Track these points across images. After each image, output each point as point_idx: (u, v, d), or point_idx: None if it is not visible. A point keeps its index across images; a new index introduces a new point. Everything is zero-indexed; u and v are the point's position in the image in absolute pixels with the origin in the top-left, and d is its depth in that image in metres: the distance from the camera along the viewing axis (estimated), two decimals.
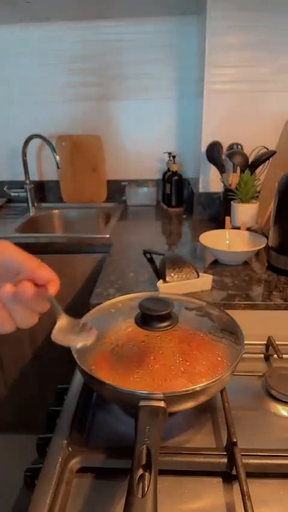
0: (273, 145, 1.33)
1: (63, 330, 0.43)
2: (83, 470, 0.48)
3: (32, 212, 1.70)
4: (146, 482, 0.36)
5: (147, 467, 0.37)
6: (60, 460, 0.47)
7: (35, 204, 1.74)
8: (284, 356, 0.66)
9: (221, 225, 1.22)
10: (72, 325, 0.44)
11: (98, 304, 0.65)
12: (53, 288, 0.40)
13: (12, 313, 0.40)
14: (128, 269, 1.06)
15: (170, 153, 1.66)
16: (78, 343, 0.43)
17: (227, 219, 1.20)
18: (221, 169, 1.32)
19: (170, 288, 0.87)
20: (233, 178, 1.22)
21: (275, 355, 0.67)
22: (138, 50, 1.60)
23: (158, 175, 1.78)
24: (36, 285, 0.39)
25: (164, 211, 1.70)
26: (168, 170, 1.68)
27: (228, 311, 0.62)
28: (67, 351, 0.53)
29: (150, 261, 0.95)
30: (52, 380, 0.82)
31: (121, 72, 1.63)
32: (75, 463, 0.47)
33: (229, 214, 1.21)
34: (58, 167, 1.56)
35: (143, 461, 0.38)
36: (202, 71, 1.37)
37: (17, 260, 0.40)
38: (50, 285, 0.40)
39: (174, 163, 1.64)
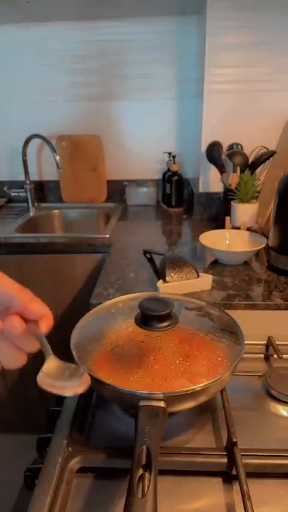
0: (273, 145, 1.33)
1: (51, 374, 0.39)
2: (83, 470, 0.48)
3: (32, 212, 1.70)
4: (146, 482, 0.36)
5: (147, 467, 0.37)
6: (60, 460, 0.47)
7: (35, 204, 1.74)
8: (284, 356, 0.66)
9: (221, 225, 1.22)
10: (62, 369, 0.40)
11: (98, 304, 0.65)
12: (45, 325, 0.37)
13: None
14: (128, 269, 1.06)
15: (170, 153, 1.66)
16: (67, 391, 0.39)
17: (227, 219, 1.20)
18: (221, 169, 1.32)
19: (170, 288, 0.87)
20: (233, 178, 1.22)
21: (275, 355, 0.67)
22: (138, 50, 1.60)
23: (158, 175, 1.78)
24: (26, 320, 0.36)
25: (164, 211, 1.70)
26: (168, 170, 1.68)
27: (228, 311, 0.62)
28: (67, 350, 0.53)
29: (150, 261, 0.95)
30: None
31: (121, 72, 1.63)
32: (75, 463, 0.47)
33: (229, 214, 1.21)
34: (58, 167, 1.56)
35: (143, 461, 0.38)
36: (202, 71, 1.37)
37: (8, 291, 0.36)
38: (42, 321, 0.36)
39: (174, 163, 1.64)
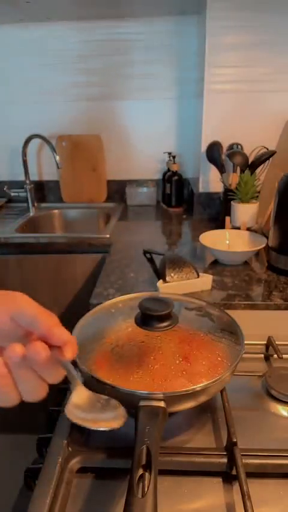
0: (273, 145, 1.33)
1: (80, 406, 0.36)
2: (83, 470, 0.48)
3: (32, 212, 1.70)
4: (146, 482, 0.36)
5: (147, 467, 0.37)
6: (60, 460, 0.47)
7: (35, 204, 1.74)
8: (284, 356, 0.66)
9: (221, 225, 1.22)
10: (93, 400, 0.37)
11: (98, 304, 0.65)
12: (71, 351, 0.34)
13: (18, 382, 0.33)
14: (128, 269, 1.06)
15: (170, 153, 1.66)
16: (101, 425, 0.36)
17: (227, 219, 1.20)
18: (221, 169, 1.32)
19: (170, 288, 0.87)
20: (233, 178, 1.22)
21: (275, 355, 0.67)
22: (138, 50, 1.60)
23: (158, 175, 1.78)
24: (50, 347, 0.33)
25: (164, 211, 1.70)
26: (168, 170, 1.68)
27: (228, 311, 0.62)
28: None
29: (150, 261, 0.95)
30: None
31: (121, 72, 1.63)
32: (75, 463, 0.47)
33: (229, 214, 1.21)
34: (58, 167, 1.56)
35: (143, 461, 0.38)
36: (202, 71, 1.37)
37: (31, 313, 0.34)
38: (67, 347, 0.33)
39: (174, 163, 1.64)
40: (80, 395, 0.37)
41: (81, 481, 0.47)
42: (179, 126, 1.71)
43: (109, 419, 0.36)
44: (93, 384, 0.49)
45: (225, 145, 1.37)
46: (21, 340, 0.33)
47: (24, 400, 0.34)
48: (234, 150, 1.32)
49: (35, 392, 0.34)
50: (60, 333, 0.33)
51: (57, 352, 0.33)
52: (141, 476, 0.37)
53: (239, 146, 1.37)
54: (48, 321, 0.33)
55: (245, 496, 0.41)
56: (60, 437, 0.50)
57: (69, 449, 0.49)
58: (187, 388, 0.46)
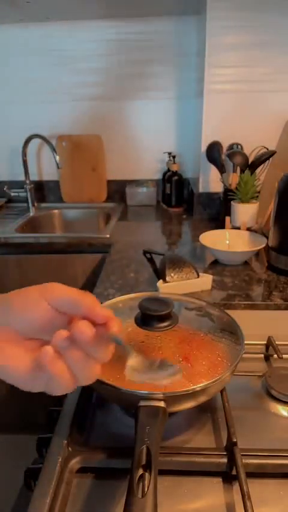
0: (273, 145, 1.33)
1: (138, 369, 0.38)
2: (83, 470, 0.48)
3: (32, 212, 1.70)
4: (146, 482, 0.36)
5: (147, 467, 0.37)
6: (60, 460, 0.47)
7: (35, 204, 1.74)
8: (284, 356, 0.66)
9: (221, 225, 1.22)
10: (148, 363, 0.40)
11: None
12: (117, 325, 0.34)
13: (71, 365, 0.33)
14: (128, 269, 1.06)
15: (170, 153, 1.66)
16: (162, 380, 0.38)
17: (227, 219, 1.20)
18: (221, 169, 1.32)
19: (170, 288, 0.87)
20: (233, 178, 1.22)
21: (275, 355, 0.67)
22: (138, 49, 1.60)
23: (158, 175, 1.78)
24: (94, 325, 0.33)
25: (164, 211, 1.70)
26: (168, 170, 1.68)
27: (228, 311, 0.62)
28: None
29: (150, 261, 0.95)
30: None
31: (121, 72, 1.63)
32: (75, 463, 0.47)
33: (229, 214, 1.21)
34: (58, 167, 1.56)
35: (143, 461, 0.38)
36: (202, 71, 1.37)
37: (70, 297, 0.34)
38: (111, 323, 0.34)
39: (174, 163, 1.64)
40: (135, 360, 0.39)
41: (81, 481, 0.47)
42: (179, 126, 1.71)
43: (168, 375, 0.39)
44: (93, 384, 0.49)
45: (225, 145, 1.37)
46: (66, 328, 0.34)
47: (79, 385, 0.35)
48: (234, 150, 1.32)
49: (89, 374, 0.35)
50: (102, 310, 0.34)
51: (102, 329, 0.34)
52: (141, 476, 0.37)
53: (239, 146, 1.36)
54: (89, 301, 0.34)
55: (245, 496, 0.41)
56: (60, 437, 0.50)
57: (69, 449, 0.49)
58: (187, 388, 0.46)
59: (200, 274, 0.91)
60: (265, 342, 0.71)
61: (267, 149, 1.28)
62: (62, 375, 0.33)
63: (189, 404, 0.48)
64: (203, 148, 1.41)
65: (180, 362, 0.49)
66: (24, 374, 0.34)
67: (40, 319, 0.35)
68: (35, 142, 1.69)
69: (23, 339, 0.36)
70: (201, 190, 1.50)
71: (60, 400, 0.59)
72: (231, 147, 1.37)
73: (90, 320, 0.34)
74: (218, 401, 0.56)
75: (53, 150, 1.55)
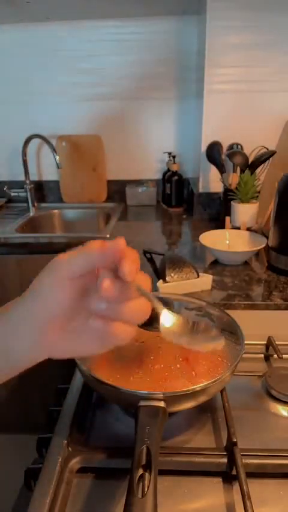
0: (273, 145, 1.33)
1: (174, 330, 0.36)
2: (83, 470, 0.48)
3: (32, 212, 1.70)
4: (146, 482, 0.36)
5: (147, 467, 0.37)
6: (60, 460, 0.47)
7: (35, 204, 1.74)
8: (284, 356, 0.66)
9: (221, 225, 1.22)
10: (182, 323, 0.36)
11: None
12: (128, 266, 0.32)
13: (121, 317, 0.33)
14: None
15: (170, 153, 1.66)
16: (208, 347, 0.36)
17: (227, 219, 1.20)
18: (221, 169, 1.32)
19: (170, 288, 0.87)
20: (233, 178, 1.22)
21: (275, 355, 0.67)
22: (138, 49, 1.60)
23: (158, 175, 1.77)
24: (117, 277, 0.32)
25: (164, 211, 1.70)
26: (168, 170, 1.68)
27: (228, 311, 0.62)
28: None
29: (150, 261, 0.95)
30: (52, 380, 0.82)
31: (121, 72, 1.63)
32: (75, 463, 0.47)
33: (229, 214, 1.21)
34: (58, 167, 1.56)
35: (143, 461, 0.38)
36: (202, 71, 1.37)
37: (79, 260, 0.33)
38: (123, 264, 0.32)
39: (174, 163, 1.64)
40: (168, 318, 0.36)
41: (81, 481, 0.47)
42: (179, 126, 1.71)
43: (214, 342, 0.36)
44: (93, 384, 0.49)
45: (225, 145, 1.37)
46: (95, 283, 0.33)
47: (118, 343, 0.35)
48: (234, 150, 1.32)
49: (124, 332, 0.34)
50: (112, 245, 0.33)
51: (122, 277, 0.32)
52: (141, 476, 0.37)
53: (239, 146, 1.36)
54: (95, 250, 0.33)
55: (245, 496, 0.41)
56: (60, 437, 0.50)
57: (69, 449, 0.49)
58: (187, 388, 0.46)
59: (200, 274, 0.91)
60: (265, 342, 0.71)
61: (267, 149, 1.28)
62: (119, 330, 0.33)
63: (189, 404, 0.49)
64: (203, 148, 1.41)
65: (180, 362, 0.50)
66: (92, 349, 0.36)
67: (68, 298, 0.34)
68: (35, 142, 1.69)
69: (72, 319, 0.35)
70: (201, 190, 1.50)
71: (60, 400, 0.60)
72: (231, 147, 1.37)
73: (113, 265, 0.32)
74: (218, 401, 0.56)
75: (53, 150, 1.55)
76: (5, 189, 1.74)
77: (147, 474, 0.37)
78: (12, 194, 1.73)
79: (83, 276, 0.34)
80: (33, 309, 0.34)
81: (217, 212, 1.45)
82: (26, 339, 0.35)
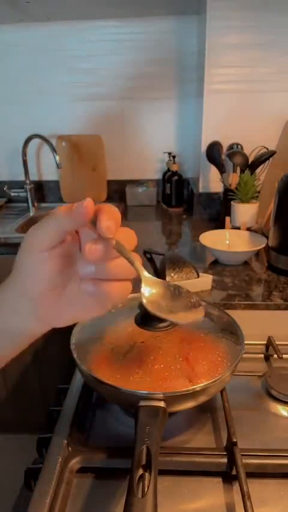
0: (273, 145, 1.33)
1: (154, 298, 0.33)
2: (83, 470, 0.48)
3: (32, 212, 1.70)
4: (146, 482, 0.36)
5: (147, 467, 0.37)
6: (60, 460, 0.47)
7: (35, 204, 1.74)
8: (284, 356, 0.66)
9: (221, 225, 1.22)
10: (163, 289, 0.34)
11: None
12: (107, 222, 0.30)
13: (111, 275, 0.32)
14: None
15: (170, 153, 1.66)
16: (188, 318, 0.34)
17: (227, 219, 1.20)
18: (221, 169, 1.32)
19: None
20: (233, 178, 1.22)
21: (275, 355, 0.67)
22: (138, 49, 1.60)
23: (158, 175, 1.77)
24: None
25: (164, 211, 1.70)
26: (168, 170, 1.68)
27: (228, 311, 0.62)
28: (67, 350, 0.53)
29: (150, 261, 0.95)
30: (52, 380, 0.82)
31: (121, 72, 1.63)
32: (75, 463, 0.47)
33: (229, 214, 1.21)
34: (58, 167, 1.56)
35: (143, 461, 0.38)
36: (202, 71, 1.37)
37: (50, 230, 0.31)
38: (100, 221, 0.30)
39: (174, 163, 1.64)
40: (147, 283, 0.34)
41: (81, 481, 0.47)
42: (179, 126, 1.71)
43: (193, 313, 0.34)
44: (93, 384, 0.49)
45: (225, 145, 1.37)
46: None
47: (113, 305, 0.34)
48: (234, 150, 1.32)
49: (118, 291, 0.34)
50: (79, 208, 0.30)
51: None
52: (141, 476, 0.37)
53: (239, 146, 1.36)
54: (60, 212, 0.31)
55: (245, 496, 0.41)
56: (60, 437, 0.50)
57: (69, 449, 0.49)
58: (187, 388, 0.46)
59: (200, 274, 0.91)
60: (265, 342, 0.71)
61: (267, 149, 1.28)
62: (114, 289, 0.33)
63: (189, 404, 0.49)
64: (203, 148, 1.41)
65: (180, 362, 0.50)
66: (92, 312, 0.36)
67: (52, 268, 0.33)
68: (35, 142, 1.69)
69: (65, 285, 0.35)
70: (201, 190, 1.50)
71: (60, 400, 0.60)
72: (231, 147, 1.37)
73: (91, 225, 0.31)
74: (218, 401, 0.56)
75: (53, 150, 1.55)
76: (5, 189, 1.74)
77: (147, 474, 0.37)
78: (12, 194, 1.73)
79: (62, 243, 0.33)
80: (23, 287, 0.35)
81: (217, 212, 1.45)
82: (25, 315, 0.35)
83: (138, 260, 0.33)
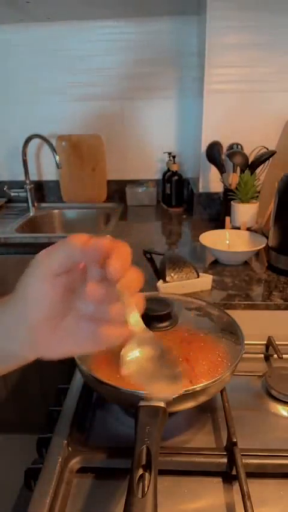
0: (273, 145, 1.33)
1: (139, 360, 0.32)
2: (83, 470, 0.48)
3: (32, 212, 1.70)
4: (146, 482, 0.36)
5: (147, 467, 0.37)
6: (60, 460, 0.47)
7: (35, 204, 1.74)
8: (284, 356, 0.66)
9: (221, 225, 1.22)
10: (151, 350, 0.33)
11: None
12: (116, 265, 0.30)
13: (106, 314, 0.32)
14: None
15: (170, 153, 1.66)
16: (165, 392, 0.33)
17: (227, 219, 1.20)
18: (221, 169, 1.32)
19: (170, 288, 0.87)
20: (233, 178, 1.22)
21: (275, 355, 0.67)
22: (138, 49, 1.60)
23: (158, 175, 1.77)
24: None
25: (164, 211, 1.70)
26: (168, 170, 1.68)
27: (228, 311, 0.62)
28: None
29: (150, 261, 0.95)
30: (52, 380, 0.82)
31: (121, 72, 1.63)
32: (75, 463, 0.47)
33: (229, 214, 1.21)
34: (58, 167, 1.56)
35: (143, 461, 0.38)
36: (202, 71, 1.37)
37: (61, 258, 0.31)
38: (109, 262, 0.30)
39: (174, 163, 1.64)
40: (135, 345, 0.33)
41: (81, 481, 0.47)
42: (179, 126, 1.71)
43: (166, 380, 0.32)
44: (93, 384, 0.49)
45: (225, 145, 1.37)
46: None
47: (109, 347, 0.34)
48: (234, 150, 1.32)
49: (110, 337, 0.33)
50: (95, 244, 0.30)
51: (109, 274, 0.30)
52: (141, 476, 0.37)
53: (239, 146, 1.36)
54: (76, 243, 0.30)
55: (245, 496, 0.41)
56: (60, 437, 0.50)
57: (69, 449, 0.49)
58: (187, 388, 0.46)
59: (200, 274, 0.91)
60: (265, 342, 0.71)
61: (267, 149, 1.28)
62: (110, 332, 0.33)
63: (189, 404, 0.49)
64: (203, 148, 1.41)
65: (180, 362, 0.49)
66: (85, 349, 0.36)
67: (55, 295, 0.33)
68: (35, 142, 1.69)
69: (63, 317, 0.34)
70: (201, 190, 1.50)
71: (60, 400, 0.60)
72: (231, 147, 1.37)
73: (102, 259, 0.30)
74: (218, 401, 0.56)
75: (53, 150, 1.55)
76: (5, 189, 1.74)
77: (147, 474, 0.37)
78: (12, 194, 1.73)
79: (69, 272, 0.32)
80: (23, 312, 0.34)
81: (217, 212, 1.45)
82: (19, 340, 0.35)
83: (138, 310, 0.33)
